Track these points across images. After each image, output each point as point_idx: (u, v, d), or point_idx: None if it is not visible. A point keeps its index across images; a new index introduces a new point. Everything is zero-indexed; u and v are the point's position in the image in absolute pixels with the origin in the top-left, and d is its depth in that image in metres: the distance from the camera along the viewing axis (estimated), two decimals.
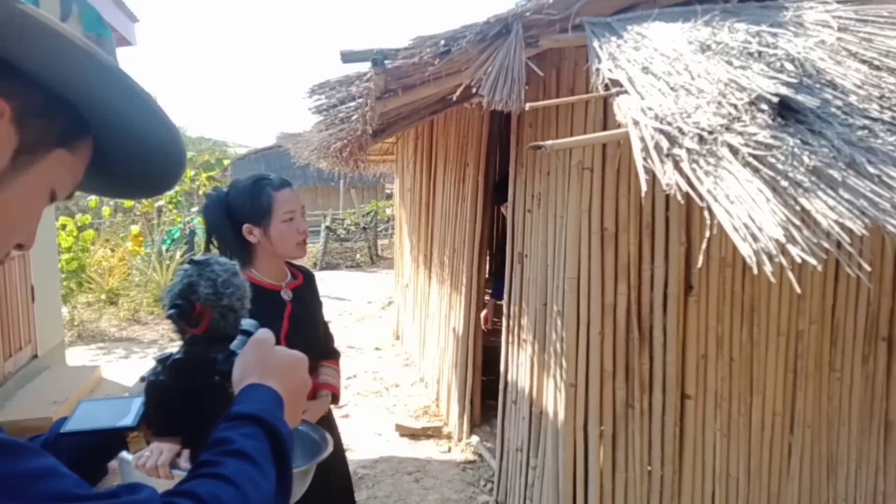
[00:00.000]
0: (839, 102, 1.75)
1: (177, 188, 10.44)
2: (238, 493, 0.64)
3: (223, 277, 0.95)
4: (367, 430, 4.66)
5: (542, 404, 2.94)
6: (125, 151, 0.77)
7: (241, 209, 1.89)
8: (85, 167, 0.75)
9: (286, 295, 1.96)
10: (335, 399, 2.05)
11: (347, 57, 2.24)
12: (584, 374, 2.65)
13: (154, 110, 0.71)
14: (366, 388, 5.61)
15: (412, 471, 4.03)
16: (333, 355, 2.15)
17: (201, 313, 0.92)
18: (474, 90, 2.36)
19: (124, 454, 0.98)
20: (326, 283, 11.14)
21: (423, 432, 4.54)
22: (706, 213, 1.57)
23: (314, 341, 2.01)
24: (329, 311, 9.18)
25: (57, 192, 0.72)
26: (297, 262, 2.12)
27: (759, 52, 1.92)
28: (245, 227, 1.89)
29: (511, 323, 3.39)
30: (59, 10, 0.68)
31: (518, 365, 3.29)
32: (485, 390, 4.41)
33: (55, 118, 0.68)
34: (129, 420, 0.90)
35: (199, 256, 1.00)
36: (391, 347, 6.81)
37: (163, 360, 0.92)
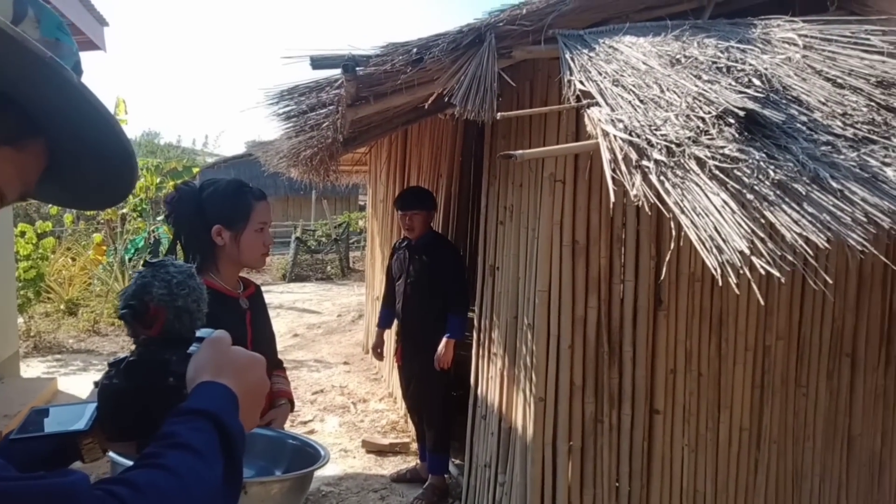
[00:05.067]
0: (804, 118, 1.80)
1: (141, 196, 10.24)
2: (179, 484, 0.64)
3: (178, 279, 0.95)
4: (332, 446, 4.60)
5: (511, 419, 2.94)
6: (76, 159, 0.77)
7: (217, 210, 1.90)
8: (38, 170, 0.75)
9: (244, 303, 1.97)
10: (291, 404, 2.08)
11: (318, 63, 2.23)
12: (554, 388, 2.65)
13: (103, 117, 0.72)
14: (332, 402, 5.54)
15: (378, 488, 3.98)
16: (280, 364, 2.19)
17: (155, 314, 0.92)
18: (447, 99, 2.37)
19: (113, 456, 0.96)
20: (296, 295, 11.04)
21: (390, 448, 4.49)
22: (673, 225, 1.59)
23: (270, 349, 2.03)
24: (298, 324, 8.95)
25: (5, 192, 0.71)
26: (246, 274, 2.15)
27: (728, 67, 1.97)
28: (216, 227, 1.89)
29: (482, 336, 3.39)
30: (12, 11, 0.68)
31: (488, 379, 3.28)
32: (455, 405, 4.39)
33: (0, 116, 0.68)
34: (81, 424, 0.88)
35: (153, 259, 0.99)
36: (360, 361, 6.75)
37: (116, 364, 0.91)
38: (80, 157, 0.77)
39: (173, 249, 1.88)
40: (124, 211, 10.25)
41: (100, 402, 0.89)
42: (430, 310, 3.75)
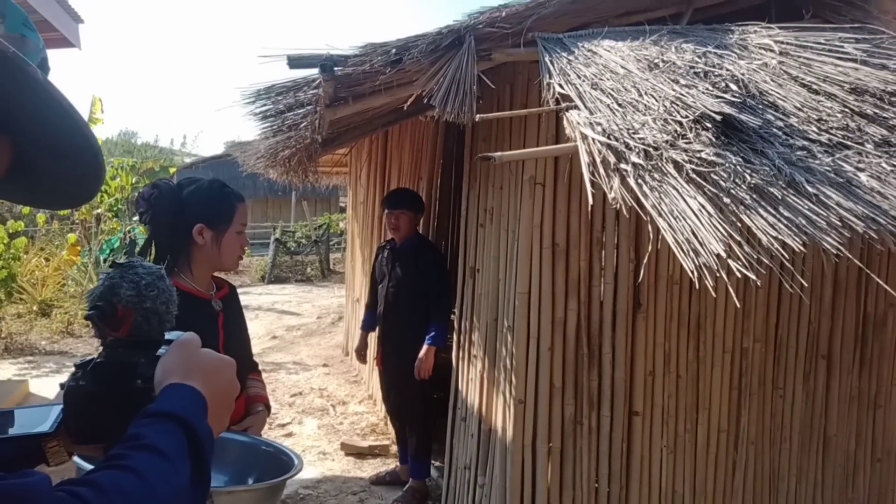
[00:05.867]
0: (780, 123, 1.82)
1: (117, 196, 10.10)
2: (143, 485, 0.63)
3: (147, 280, 0.94)
4: (310, 448, 4.57)
5: (491, 421, 2.94)
6: (41, 157, 0.76)
7: (200, 209, 1.87)
8: (1, 169, 0.74)
9: (216, 305, 1.93)
10: (267, 409, 2.05)
11: (295, 62, 2.22)
12: (534, 390, 2.66)
13: (69, 114, 0.71)
14: (311, 405, 5.51)
15: (357, 491, 3.96)
16: (256, 366, 2.17)
17: (123, 316, 0.91)
18: (426, 101, 2.37)
19: (78, 460, 0.95)
20: (275, 296, 10.96)
21: (369, 451, 4.47)
22: (651, 229, 1.60)
23: (245, 352, 2.01)
24: (277, 326, 8.82)
25: None
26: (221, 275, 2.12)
27: (705, 72, 1.99)
28: (198, 226, 1.86)
29: (462, 338, 3.39)
30: None
31: (468, 381, 3.28)
32: (436, 408, 4.38)
33: None
34: (46, 426, 0.87)
35: (121, 260, 0.98)
36: (340, 363, 6.72)
37: (83, 366, 0.89)
38: (45, 155, 0.76)
39: (147, 248, 1.85)
40: (99, 211, 10.10)
41: (66, 405, 0.88)
42: (413, 315, 3.70)
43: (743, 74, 2.02)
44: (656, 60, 2.08)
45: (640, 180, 1.61)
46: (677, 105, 1.81)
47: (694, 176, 1.60)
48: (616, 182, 1.64)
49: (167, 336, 0.92)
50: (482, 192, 3.13)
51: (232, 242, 1.92)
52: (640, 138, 1.71)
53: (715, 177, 1.60)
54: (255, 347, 2.24)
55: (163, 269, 0.98)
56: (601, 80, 2.00)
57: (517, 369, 2.67)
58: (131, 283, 0.92)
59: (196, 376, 0.81)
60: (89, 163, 0.77)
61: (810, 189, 1.63)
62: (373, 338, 4.33)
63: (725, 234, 1.48)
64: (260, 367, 2.19)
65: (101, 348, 0.93)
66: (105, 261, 9.51)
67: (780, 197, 1.59)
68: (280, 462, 1.25)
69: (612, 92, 1.93)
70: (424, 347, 3.58)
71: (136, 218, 10.34)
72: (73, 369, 0.89)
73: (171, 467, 0.67)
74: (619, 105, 1.87)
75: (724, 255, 1.43)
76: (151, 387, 0.82)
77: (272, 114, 2.69)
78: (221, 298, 1.98)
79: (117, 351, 0.90)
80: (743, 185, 1.59)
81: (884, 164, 1.77)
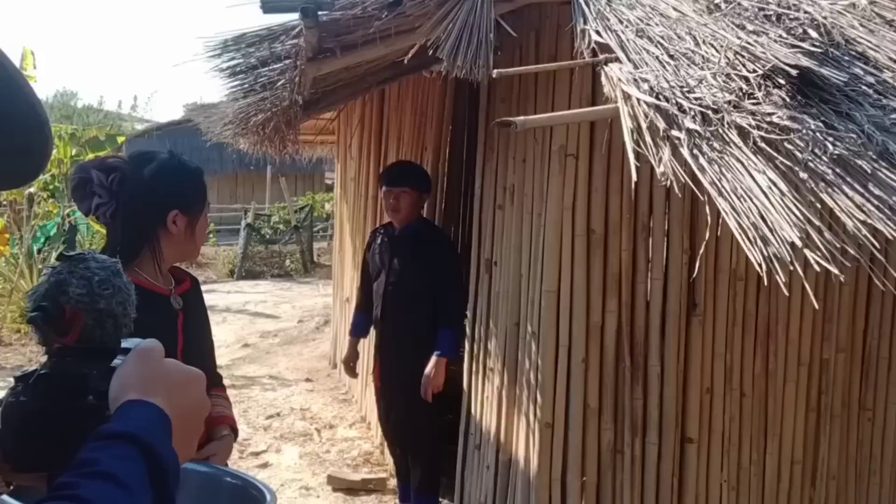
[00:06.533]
0: (871, 79, 1.81)
1: (53, 171, 10.20)
2: None
3: (100, 276, 0.96)
4: (290, 482, 4.61)
5: (511, 450, 2.96)
6: None
7: (173, 191, 1.90)
8: None
9: (176, 302, 1.95)
10: (234, 433, 2.06)
11: (270, 5, 2.23)
12: (564, 411, 2.67)
13: (9, 73, 0.72)
14: (291, 429, 5.55)
15: None
16: (220, 380, 2.18)
17: (72, 319, 0.93)
18: (431, 53, 2.37)
19: (7, 498, 0.98)
20: (247, 295, 11.05)
21: (362, 485, 4.50)
22: (709, 211, 1.60)
23: (207, 360, 2.01)
24: (249, 332, 8.91)
25: None
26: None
27: (778, 16, 1.98)
28: (173, 213, 1.88)
29: (475, 348, 3.40)
30: None
31: (483, 401, 3.30)
32: (445, 433, 4.40)
33: None
34: None
35: (71, 252, 1.00)
36: (326, 378, 6.78)
37: (25, 378, 0.92)
38: None
39: (116, 248, 1.82)
40: (32, 190, 10.17)
41: (4, 426, 0.90)
42: (417, 319, 3.68)
43: (825, 18, 2.01)
44: (717, 1, 2.08)
45: (695, 151, 1.61)
46: (743, 57, 1.80)
47: (763, 145, 1.60)
48: (666, 153, 1.64)
49: (124, 343, 0.93)
50: (501, 167, 3.14)
51: (203, 226, 1.97)
52: (696, 98, 1.71)
53: (789, 146, 1.59)
54: (222, 357, 2.26)
55: (119, 264, 0.99)
56: (648, 25, 2.00)
57: (543, 386, 2.69)
58: (82, 279, 0.94)
59: (159, 392, 0.82)
60: (33, 134, 0.79)
61: None
62: (365, 345, 4.35)
63: (801, 218, 1.48)
64: (227, 382, 2.21)
65: (45, 357, 0.95)
66: (39, 252, 9.61)
67: (869, 171, 1.58)
68: (249, 497, 1.27)
69: (661, 41, 1.93)
70: (433, 359, 3.56)
71: (72, 202, 10.40)
72: (11, 382, 0.92)
73: (129, 499, 0.69)
74: (671, 57, 1.87)
75: (799, 243, 1.43)
76: (106, 404, 0.83)
77: (242, 69, 2.70)
78: (182, 294, 1.99)
79: (65, 360, 0.92)
80: (824, 157, 1.59)
81: None
